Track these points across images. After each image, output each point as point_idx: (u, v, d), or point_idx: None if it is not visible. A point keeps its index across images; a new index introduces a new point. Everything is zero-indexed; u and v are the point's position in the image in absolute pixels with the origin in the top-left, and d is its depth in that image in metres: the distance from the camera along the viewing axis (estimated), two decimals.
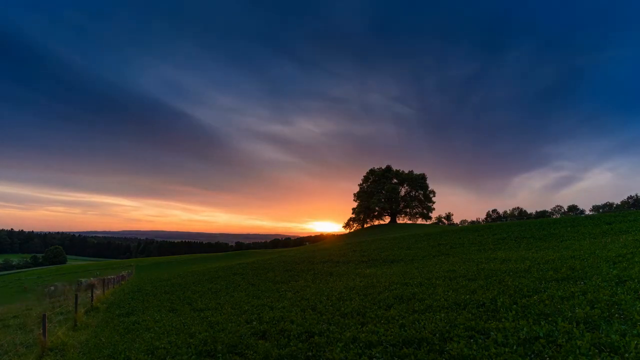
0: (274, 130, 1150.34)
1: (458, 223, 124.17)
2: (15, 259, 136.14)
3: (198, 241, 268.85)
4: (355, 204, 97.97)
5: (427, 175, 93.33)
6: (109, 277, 30.33)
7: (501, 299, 7.92)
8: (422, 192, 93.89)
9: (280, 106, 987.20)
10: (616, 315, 5.93)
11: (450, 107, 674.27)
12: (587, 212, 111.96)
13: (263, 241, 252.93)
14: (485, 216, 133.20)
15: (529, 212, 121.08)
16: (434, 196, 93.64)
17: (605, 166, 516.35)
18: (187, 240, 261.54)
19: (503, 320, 6.55)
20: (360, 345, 6.44)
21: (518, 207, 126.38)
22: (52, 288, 30.13)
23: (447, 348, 5.64)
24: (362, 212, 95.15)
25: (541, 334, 5.51)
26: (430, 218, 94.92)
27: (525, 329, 5.83)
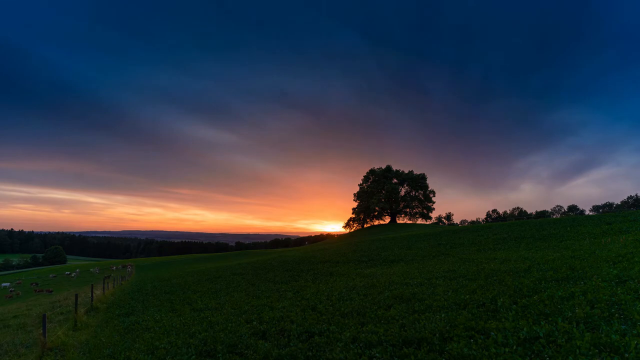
0: (169, 81, 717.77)
1: (458, 223, 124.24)
2: (15, 259, 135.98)
3: (198, 241, 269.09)
4: (355, 204, 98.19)
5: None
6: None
7: (501, 299, 7.92)
8: (422, 192, 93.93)
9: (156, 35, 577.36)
10: (616, 315, 5.93)
11: (419, 38, 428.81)
12: (587, 212, 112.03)
13: (263, 241, 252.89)
14: (485, 216, 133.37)
15: (529, 212, 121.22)
16: (434, 196, 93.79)
17: (636, 144, 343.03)
18: (187, 240, 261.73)
19: (503, 320, 6.55)
20: (360, 345, 6.44)
21: (518, 207, 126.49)
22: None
23: (447, 348, 5.64)
24: (362, 212, 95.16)
25: (541, 334, 5.51)
26: (430, 218, 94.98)
27: (525, 329, 5.83)
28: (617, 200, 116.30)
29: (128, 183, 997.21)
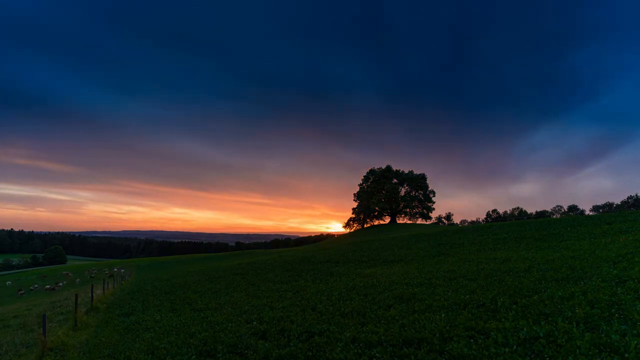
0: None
1: (458, 223, 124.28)
2: (15, 259, 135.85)
3: (198, 241, 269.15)
4: (355, 204, 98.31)
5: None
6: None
7: (501, 299, 7.93)
8: (422, 192, 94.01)
9: None
10: (616, 315, 5.93)
11: None
12: (587, 212, 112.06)
13: (263, 241, 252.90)
14: (485, 216, 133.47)
15: (529, 211, 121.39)
16: (434, 196, 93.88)
17: None
18: (187, 240, 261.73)
19: (503, 320, 6.55)
20: (360, 345, 6.44)
21: (518, 207, 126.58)
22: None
23: (447, 348, 5.64)
24: (362, 212, 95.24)
25: (541, 334, 5.51)
26: (430, 218, 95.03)
27: (525, 329, 5.83)
28: (617, 200, 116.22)
29: (85, 176, 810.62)
